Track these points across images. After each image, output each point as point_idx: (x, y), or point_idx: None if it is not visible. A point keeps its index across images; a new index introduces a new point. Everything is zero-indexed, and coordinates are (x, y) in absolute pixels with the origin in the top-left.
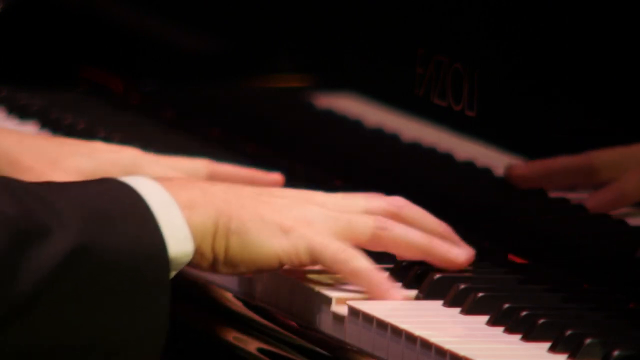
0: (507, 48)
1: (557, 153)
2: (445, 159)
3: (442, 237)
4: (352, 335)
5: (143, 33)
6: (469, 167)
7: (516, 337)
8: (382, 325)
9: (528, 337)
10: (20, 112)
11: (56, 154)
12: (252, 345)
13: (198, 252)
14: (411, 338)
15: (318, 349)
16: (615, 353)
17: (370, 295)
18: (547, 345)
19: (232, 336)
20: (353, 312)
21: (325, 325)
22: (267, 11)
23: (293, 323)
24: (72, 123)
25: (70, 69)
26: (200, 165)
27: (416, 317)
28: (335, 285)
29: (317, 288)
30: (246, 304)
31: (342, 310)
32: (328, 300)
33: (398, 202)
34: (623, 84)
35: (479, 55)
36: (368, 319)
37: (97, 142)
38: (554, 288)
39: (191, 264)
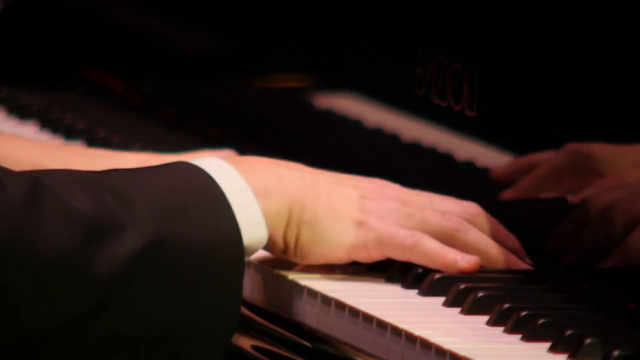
0: (507, 48)
1: None
2: (445, 159)
3: (512, 250)
4: (351, 335)
5: (143, 33)
6: (468, 167)
7: (516, 337)
8: (382, 325)
9: (528, 337)
10: (20, 112)
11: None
12: (246, 342)
13: (270, 239)
14: (411, 338)
15: (317, 348)
16: (615, 353)
17: (450, 271)
18: (547, 345)
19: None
20: (352, 311)
21: (324, 324)
22: (267, 11)
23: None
24: (72, 123)
25: (70, 69)
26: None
27: (416, 316)
28: (332, 284)
29: (309, 284)
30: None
31: (341, 309)
32: (328, 300)
33: (473, 210)
34: (623, 84)
35: (479, 55)
36: (368, 318)
37: (127, 153)
38: (554, 288)
39: (264, 247)
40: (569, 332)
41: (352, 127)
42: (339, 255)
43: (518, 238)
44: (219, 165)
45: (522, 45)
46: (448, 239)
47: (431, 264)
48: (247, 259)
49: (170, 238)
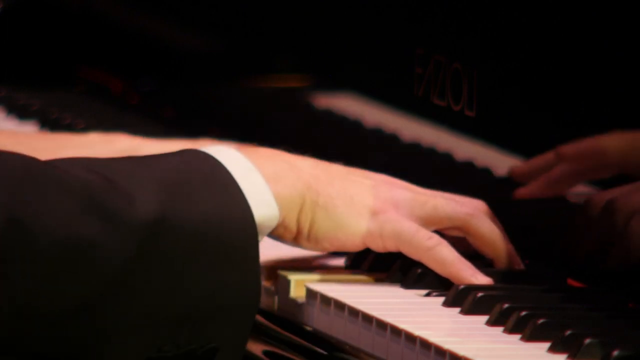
0: (506, 48)
1: None
2: (445, 159)
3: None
4: (350, 335)
5: (142, 33)
6: (468, 167)
7: (516, 337)
8: (381, 325)
9: (528, 337)
10: (20, 112)
11: (52, 148)
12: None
13: (282, 224)
14: (410, 338)
15: (316, 348)
16: (615, 353)
17: (457, 283)
18: (547, 345)
19: None
20: (352, 311)
21: (323, 324)
22: (266, 11)
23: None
24: (72, 123)
25: (69, 69)
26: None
27: (416, 316)
28: (331, 283)
29: (308, 284)
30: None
31: (340, 309)
32: (327, 300)
33: (480, 206)
34: (622, 84)
35: (478, 55)
36: (367, 318)
37: (91, 134)
38: (552, 288)
39: (274, 234)
40: (568, 332)
41: (352, 127)
42: (354, 240)
43: (519, 237)
44: (224, 150)
45: (521, 45)
46: (462, 226)
47: (442, 272)
48: (261, 237)
49: (179, 214)
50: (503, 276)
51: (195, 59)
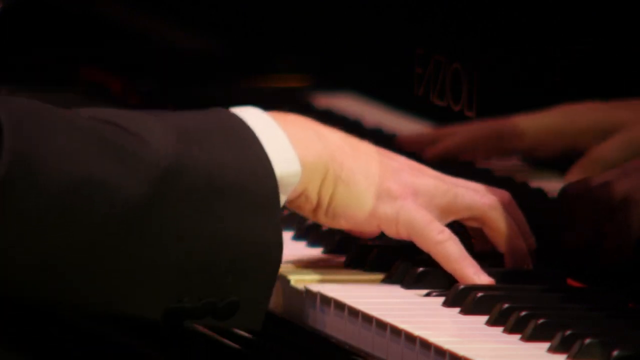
0: (506, 48)
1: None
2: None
3: (529, 249)
4: (350, 335)
5: (142, 33)
6: (468, 166)
7: (515, 337)
8: (381, 325)
9: (527, 337)
10: None
11: None
12: None
13: (304, 193)
14: (410, 338)
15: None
16: (615, 353)
17: (460, 280)
18: (547, 345)
19: None
20: (352, 311)
21: (323, 324)
22: (266, 11)
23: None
24: None
25: (69, 69)
26: None
27: (415, 316)
28: (331, 284)
29: (308, 284)
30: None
31: (340, 309)
32: (327, 300)
33: (504, 196)
34: (622, 84)
35: (478, 55)
36: (367, 318)
37: None
38: (552, 288)
39: (294, 205)
40: (568, 332)
41: (352, 127)
42: (371, 221)
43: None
44: (250, 110)
45: (521, 45)
46: (480, 217)
47: (447, 266)
48: (283, 197)
49: (195, 158)
50: (504, 276)
51: (195, 59)
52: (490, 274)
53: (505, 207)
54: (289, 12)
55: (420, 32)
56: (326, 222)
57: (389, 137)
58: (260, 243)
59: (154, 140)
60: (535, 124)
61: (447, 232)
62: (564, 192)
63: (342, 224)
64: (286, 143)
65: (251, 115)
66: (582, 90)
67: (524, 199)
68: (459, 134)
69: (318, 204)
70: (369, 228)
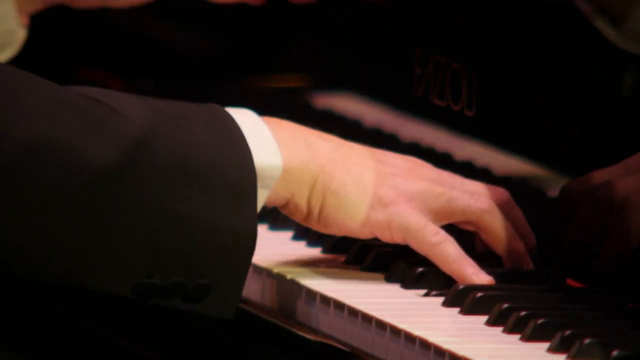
0: (505, 48)
1: (556, 152)
2: (444, 159)
3: (528, 248)
4: (350, 335)
5: (142, 33)
6: (467, 166)
7: (515, 337)
8: (381, 325)
9: (527, 337)
10: None
11: None
12: None
13: (292, 201)
14: (410, 338)
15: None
16: (615, 353)
17: (460, 281)
18: (547, 345)
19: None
20: (351, 311)
21: (323, 324)
22: (266, 11)
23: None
24: None
25: (69, 69)
26: None
27: (415, 316)
28: (331, 283)
29: (308, 284)
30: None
31: (340, 309)
32: (327, 300)
33: (503, 195)
34: (622, 84)
35: (477, 55)
36: (367, 318)
37: None
38: (552, 288)
39: (286, 212)
40: (568, 332)
41: (351, 126)
42: (363, 229)
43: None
44: (240, 110)
45: (520, 44)
46: (474, 221)
47: (445, 268)
48: (265, 192)
49: (170, 137)
50: (503, 276)
51: (195, 59)
52: (489, 274)
53: (504, 205)
54: (288, 12)
55: (420, 32)
56: (319, 229)
57: (389, 137)
58: (233, 230)
59: (129, 112)
60: None
61: (443, 234)
62: (564, 191)
63: (335, 232)
64: (270, 140)
65: (241, 114)
66: (582, 90)
67: (524, 199)
68: None
69: (309, 213)
70: (363, 235)
